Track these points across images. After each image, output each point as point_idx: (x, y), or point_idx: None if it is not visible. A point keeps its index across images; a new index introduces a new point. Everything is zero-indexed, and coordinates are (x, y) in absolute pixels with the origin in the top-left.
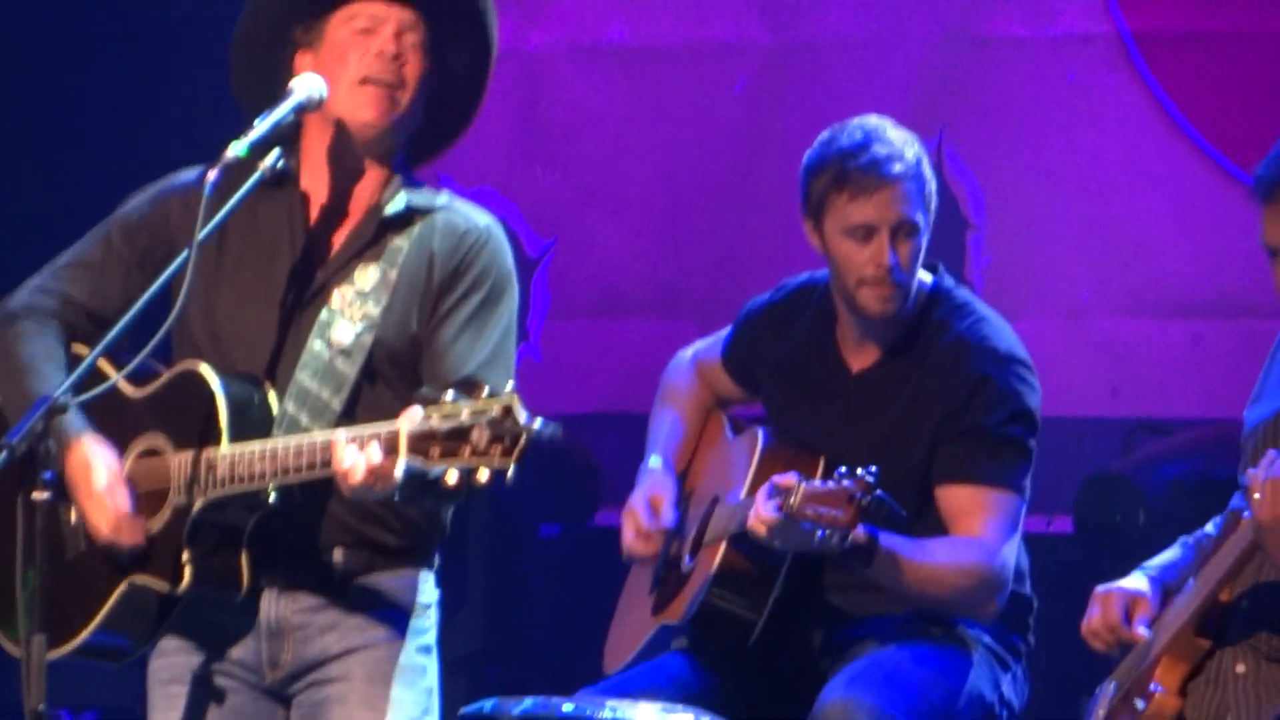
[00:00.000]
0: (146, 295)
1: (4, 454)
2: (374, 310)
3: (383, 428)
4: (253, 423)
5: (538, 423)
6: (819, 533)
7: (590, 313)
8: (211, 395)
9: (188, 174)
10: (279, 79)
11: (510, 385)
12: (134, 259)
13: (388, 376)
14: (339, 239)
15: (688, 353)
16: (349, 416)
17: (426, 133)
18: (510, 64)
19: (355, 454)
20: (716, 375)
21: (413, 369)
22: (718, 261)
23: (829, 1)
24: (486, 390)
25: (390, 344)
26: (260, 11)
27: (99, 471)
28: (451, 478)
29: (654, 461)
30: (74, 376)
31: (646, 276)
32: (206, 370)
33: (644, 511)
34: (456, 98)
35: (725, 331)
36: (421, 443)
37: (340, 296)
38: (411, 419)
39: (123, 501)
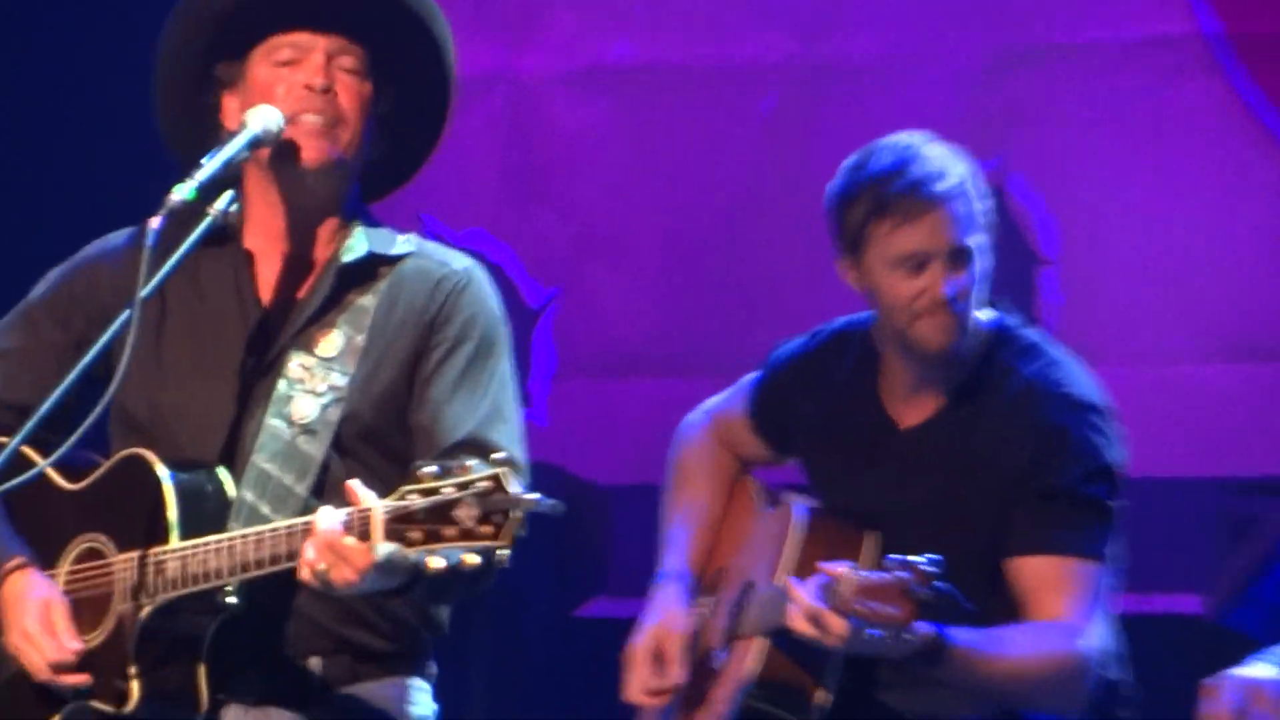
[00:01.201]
0: (79, 366)
1: None
2: (340, 380)
3: (353, 510)
4: (206, 515)
5: (533, 495)
6: (871, 632)
7: (598, 372)
8: (158, 484)
9: (115, 238)
10: (209, 124)
11: (520, 442)
12: (67, 343)
13: (361, 455)
14: (294, 299)
15: (700, 412)
16: (317, 503)
17: (389, 162)
18: (498, 89)
19: (320, 542)
20: (740, 434)
21: (390, 445)
22: (741, 311)
23: (867, 10)
24: (501, 454)
25: (362, 418)
26: (175, 51)
27: (30, 607)
28: (435, 564)
29: (670, 565)
30: (2, 458)
31: (660, 330)
32: (151, 457)
33: (648, 667)
34: (418, 121)
35: (747, 381)
36: (399, 525)
37: (299, 365)
38: (386, 499)
39: (64, 641)
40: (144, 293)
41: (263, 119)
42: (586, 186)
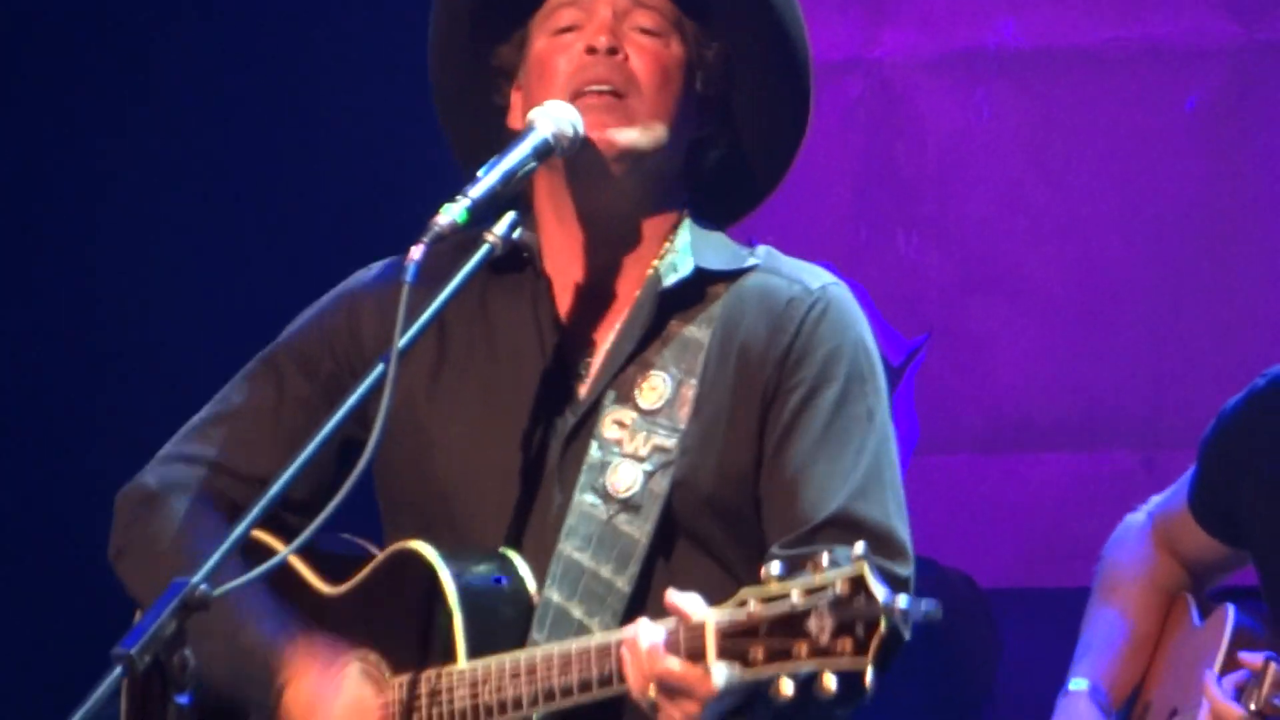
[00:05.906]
0: (320, 434)
1: (118, 669)
2: (666, 439)
3: (679, 623)
4: (502, 624)
5: (903, 600)
6: None
7: (981, 444)
8: (439, 588)
9: (377, 268)
10: (501, 131)
11: (899, 514)
12: (317, 395)
13: (698, 536)
14: (606, 337)
15: (1140, 513)
16: (640, 602)
17: (736, 176)
18: (851, 81)
19: (645, 669)
20: (1183, 530)
21: (739, 520)
22: (1172, 362)
23: None
24: (827, 558)
25: (699, 487)
26: (446, 41)
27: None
28: (785, 689)
29: (1075, 684)
30: (220, 553)
31: (1065, 387)
32: (428, 552)
33: None
34: (767, 114)
35: (1190, 472)
36: (737, 642)
37: (615, 423)
38: (720, 609)
39: None
40: (402, 342)
41: (552, 118)
42: (963, 204)
